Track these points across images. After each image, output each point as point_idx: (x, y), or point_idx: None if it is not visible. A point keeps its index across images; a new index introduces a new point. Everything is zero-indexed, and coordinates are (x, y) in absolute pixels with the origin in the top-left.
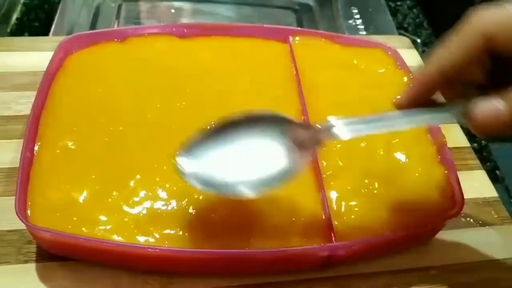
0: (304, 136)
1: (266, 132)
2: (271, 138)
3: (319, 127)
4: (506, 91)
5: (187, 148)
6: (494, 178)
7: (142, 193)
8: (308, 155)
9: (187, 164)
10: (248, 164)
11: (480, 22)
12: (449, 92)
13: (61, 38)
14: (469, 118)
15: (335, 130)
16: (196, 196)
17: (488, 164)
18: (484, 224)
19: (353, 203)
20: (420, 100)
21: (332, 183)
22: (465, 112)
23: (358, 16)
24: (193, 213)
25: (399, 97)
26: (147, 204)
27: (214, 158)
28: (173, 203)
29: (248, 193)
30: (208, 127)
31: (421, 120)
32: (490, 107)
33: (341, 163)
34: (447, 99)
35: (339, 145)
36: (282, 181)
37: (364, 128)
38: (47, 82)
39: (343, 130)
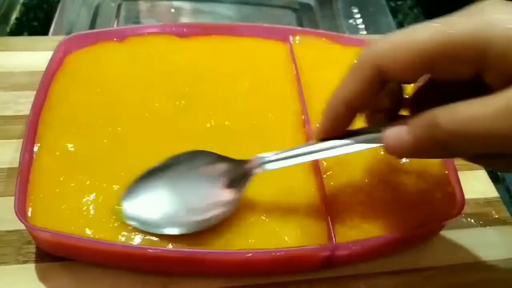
0: (238, 172)
1: (203, 172)
2: (207, 178)
3: (250, 163)
4: (413, 118)
5: (128, 191)
6: (495, 178)
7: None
8: (241, 191)
9: (129, 207)
10: (184, 204)
11: (370, 54)
12: (369, 119)
13: (61, 38)
14: (383, 144)
15: (264, 164)
16: None
17: None
18: (484, 224)
19: (353, 203)
20: (337, 131)
21: (332, 183)
22: (379, 138)
23: (358, 15)
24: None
25: (316, 128)
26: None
27: (152, 199)
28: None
29: (180, 231)
30: (148, 169)
31: (342, 148)
32: (395, 135)
33: (341, 163)
34: (368, 125)
35: None
36: (215, 219)
37: (287, 162)
38: (47, 82)
39: (270, 164)
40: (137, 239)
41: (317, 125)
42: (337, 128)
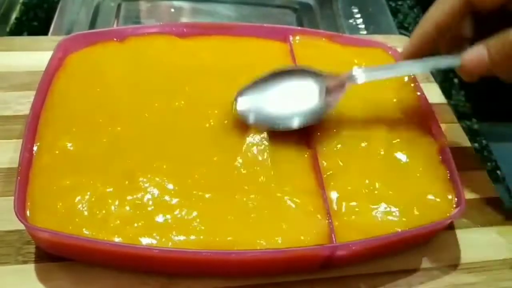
0: (332, 82)
1: (305, 78)
2: (308, 83)
3: (343, 75)
4: (487, 39)
5: (241, 92)
6: (495, 178)
7: (141, 193)
8: (336, 98)
9: (242, 103)
10: (291, 101)
11: None
12: (446, 45)
13: (61, 38)
14: (460, 64)
15: (354, 75)
16: (197, 196)
17: (488, 164)
18: (484, 224)
19: (353, 203)
20: (421, 52)
21: (332, 183)
22: (457, 59)
23: (358, 15)
24: (195, 213)
25: (404, 48)
26: (147, 204)
27: (263, 98)
28: (174, 203)
29: (291, 124)
30: (257, 78)
31: (425, 65)
32: (474, 52)
33: (341, 163)
34: (445, 52)
35: (339, 145)
36: (317, 115)
37: (378, 74)
38: (46, 81)
39: (361, 75)
40: (137, 239)
41: (404, 46)
42: (423, 50)
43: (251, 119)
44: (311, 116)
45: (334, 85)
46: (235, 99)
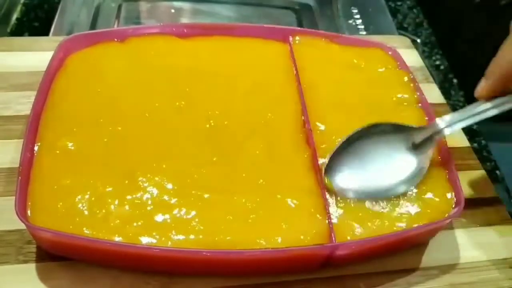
0: (420, 138)
1: (390, 141)
2: (395, 146)
3: (430, 128)
4: None
5: (330, 165)
6: (494, 178)
7: (141, 193)
8: (427, 155)
9: (339, 180)
10: (386, 170)
11: None
12: None
13: (61, 38)
14: None
15: (441, 129)
16: (196, 195)
17: (488, 164)
18: (483, 224)
19: (353, 203)
20: (498, 92)
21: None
22: None
23: (358, 16)
24: (194, 212)
25: (479, 89)
26: (147, 204)
27: (355, 169)
28: (173, 203)
29: (391, 195)
30: (340, 142)
31: (505, 105)
32: None
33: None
34: None
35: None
36: (414, 182)
37: (462, 123)
38: (47, 82)
39: (447, 128)
40: (137, 239)
41: (482, 85)
42: (498, 90)
43: (351, 196)
44: (409, 183)
45: (421, 139)
46: (325, 171)
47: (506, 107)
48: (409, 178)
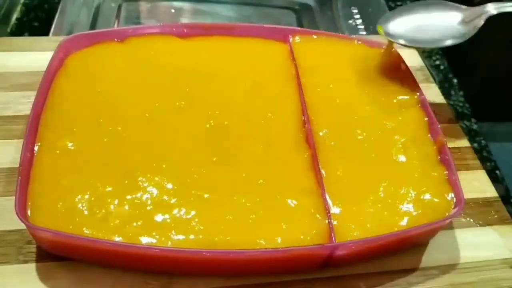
0: (470, 14)
1: (445, 10)
2: (447, 15)
3: (478, 8)
4: None
5: (386, 17)
6: (494, 178)
7: (141, 193)
8: (473, 26)
9: (391, 29)
10: (438, 25)
11: None
12: None
13: (61, 38)
14: None
15: (488, 8)
16: (196, 195)
17: (488, 164)
18: (484, 224)
19: (353, 203)
20: None
21: (332, 183)
22: None
23: (358, 16)
24: (194, 212)
25: None
26: (147, 204)
27: (410, 23)
28: (173, 203)
29: (439, 44)
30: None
31: None
32: None
33: (341, 164)
34: None
35: (339, 146)
36: (460, 38)
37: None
38: (47, 82)
39: (493, 7)
40: (137, 239)
41: None
42: None
43: (402, 42)
44: (454, 39)
45: (470, 17)
46: (381, 22)
47: None
48: (455, 35)
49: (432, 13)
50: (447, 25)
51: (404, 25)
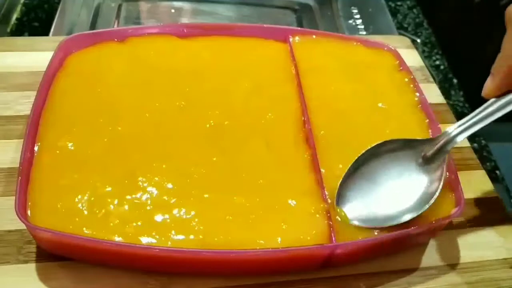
0: (431, 151)
1: (400, 158)
2: (406, 165)
3: (440, 139)
4: None
5: (340, 194)
6: (494, 178)
7: (141, 193)
8: (440, 167)
9: (350, 210)
10: (397, 194)
11: None
12: None
13: (61, 38)
14: None
15: (454, 137)
16: (196, 195)
17: (488, 164)
18: (483, 224)
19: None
20: (505, 87)
21: (332, 183)
22: None
23: (358, 16)
24: (194, 212)
25: (486, 87)
26: (147, 204)
27: (366, 196)
28: (173, 203)
29: (405, 219)
30: (349, 167)
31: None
32: None
33: (341, 164)
34: None
35: (339, 146)
36: (430, 200)
37: (473, 128)
38: (47, 82)
39: (459, 136)
40: (137, 239)
41: (489, 84)
42: (504, 88)
43: (363, 224)
44: (421, 208)
45: (432, 152)
46: (337, 200)
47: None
48: (417, 204)
49: (389, 168)
50: (407, 190)
51: (357, 205)
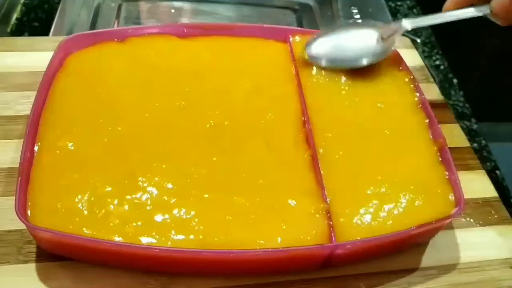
0: (387, 31)
1: (363, 30)
2: (366, 35)
3: (394, 24)
4: None
5: (309, 42)
6: (494, 178)
7: (141, 193)
8: (391, 42)
9: (313, 49)
10: (355, 46)
11: None
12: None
13: (61, 38)
14: (491, 11)
15: (403, 24)
16: (196, 195)
17: (488, 164)
18: (484, 224)
19: (353, 203)
20: (460, 5)
21: (332, 183)
22: (487, 7)
23: (358, 16)
24: (194, 212)
25: (446, 3)
26: (147, 204)
27: (329, 42)
28: (173, 203)
29: (358, 64)
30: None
31: (465, 12)
32: (499, 2)
33: (341, 164)
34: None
35: (339, 147)
36: (378, 56)
37: (423, 21)
38: (47, 82)
39: (408, 23)
40: (137, 239)
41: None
42: (461, 4)
43: (323, 62)
44: (373, 57)
45: (387, 33)
46: (305, 47)
47: (466, 14)
48: (372, 53)
49: (351, 34)
50: (365, 44)
51: (324, 47)
